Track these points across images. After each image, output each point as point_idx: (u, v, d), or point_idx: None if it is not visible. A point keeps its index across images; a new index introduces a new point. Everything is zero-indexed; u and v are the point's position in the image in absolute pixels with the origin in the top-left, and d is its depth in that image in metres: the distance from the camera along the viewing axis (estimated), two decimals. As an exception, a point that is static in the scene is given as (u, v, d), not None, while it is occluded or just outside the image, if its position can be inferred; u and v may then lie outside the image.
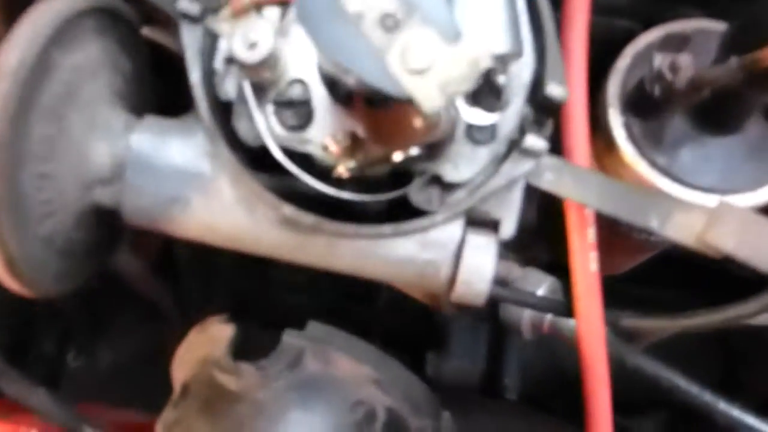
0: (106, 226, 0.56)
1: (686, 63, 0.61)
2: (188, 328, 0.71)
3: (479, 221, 0.52)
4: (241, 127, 0.50)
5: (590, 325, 0.61)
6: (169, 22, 0.53)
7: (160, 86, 0.64)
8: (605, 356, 0.61)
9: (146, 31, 0.59)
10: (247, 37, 0.44)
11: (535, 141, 0.49)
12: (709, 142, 0.67)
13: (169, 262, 1.00)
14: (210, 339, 0.66)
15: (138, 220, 0.53)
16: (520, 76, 0.50)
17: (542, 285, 0.81)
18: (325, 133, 0.48)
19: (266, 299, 0.98)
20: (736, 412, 0.62)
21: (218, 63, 0.51)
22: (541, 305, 0.66)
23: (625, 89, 0.69)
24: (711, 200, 0.67)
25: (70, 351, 1.06)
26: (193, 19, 0.49)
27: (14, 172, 0.46)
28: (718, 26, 0.71)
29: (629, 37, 0.75)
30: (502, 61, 0.46)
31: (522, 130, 0.51)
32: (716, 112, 0.64)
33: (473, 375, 1.06)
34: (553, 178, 0.54)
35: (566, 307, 0.64)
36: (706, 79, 0.58)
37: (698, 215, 0.50)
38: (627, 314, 0.65)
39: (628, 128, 0.68)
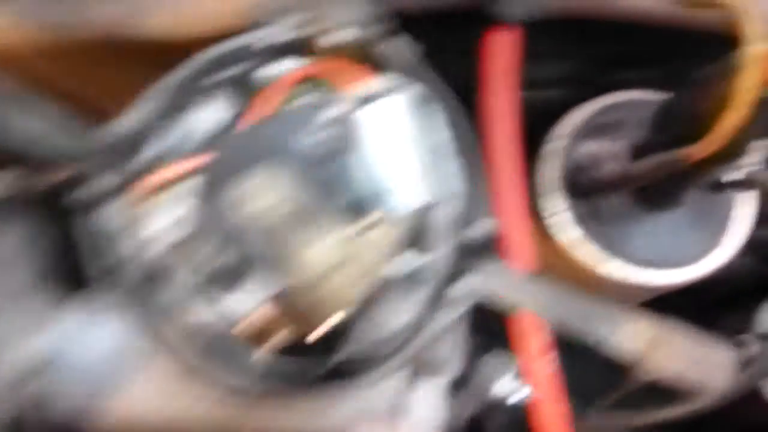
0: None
1: (618, 152, 0.60)
2: None
3: (423, 366, 0.50)
4: (170, 297, 0.48)
5: (553, 427, 0.60)
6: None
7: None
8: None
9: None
10: (172, 212, 0.42)
11: (466, 286, 0.48)
12: (652, 218, 0.66)
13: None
14: None
15: (64, 416, 0.50)
16: (447, 213, 0.49)
17: (507, 371, 0.81)
18: (252, 302, 0.46)
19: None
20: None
21: (127, 241, 0.49)
22: (504, 411, 0.65)
23: (562, 172, 0.68)
24: (661, 276, 0.67)
25: None
26: (100, 201, 0.47)
27: None
28: (651, 96, 0.70)
29: (562, 108, 0.75)
30: (424, 211, 0.45)
31: (456, 267, 0.49)
32: (655, 192, 0.63)
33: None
34: (497, 287, 0.53)
35: (529, 410, 0.62)
36: (637, 174, 0.57)
37: (641, 328, 0.49)
38: (591, 414, 0.64)
39: (571, 211, 0.68)
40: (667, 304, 0.69)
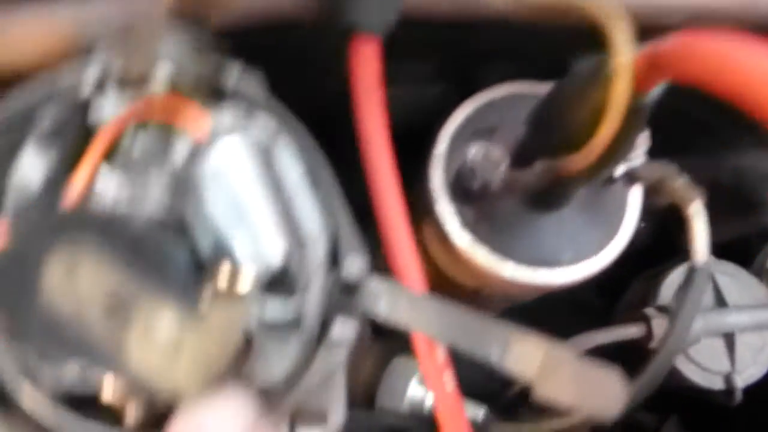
0: None
1: (497, 157, 0.57)
2: None
3: (303, 417, 0.46)
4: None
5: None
6: None
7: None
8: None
9: None
10: None
11: (342, 330, 0.44)
12: (543, 218, 0.65)
13: None
14: None
15: None
16: (313, 253, 0.45)
17: (414, 375, 0.79)
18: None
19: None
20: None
21: None
22: (411, 428, 0.62)
23: (449, 176, 0.65)
24: (557, 275, 0.65)
25: None
26: None
27: None
28: (531, 88, 0.68)
29: (443, 102, 0.72)
30: (282, 260, 0.41)
31: (330, 307, 0.45)
32: (541, 195, 0.61)
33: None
34: (388, 306, 0.50)
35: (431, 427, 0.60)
36: (519, 182, 0.55)
37: (535, 349, 0.47)
38: (494, 420, 0.62)
39: (460, 216, 0.65)
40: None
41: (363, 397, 0.73)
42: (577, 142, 0.47)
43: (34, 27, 0.49)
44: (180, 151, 0.41)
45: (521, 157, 0.57)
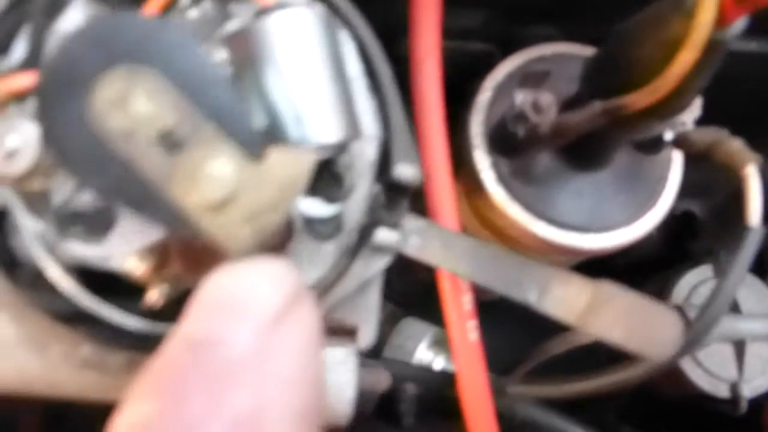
0: None
1: (548, 102, 0.55)
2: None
3: (333, 331, 0.44)
4: (17, 244, 0.39)
5: (475, 397, 0.55)
6: None
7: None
8: (493, 426, 0.56)
9: None
10: (2, 143, 0.33)
11: (386, 235, 0.42)
12: (579, 179, 0.62)
13: None
14: None
15: None
16: (363, 154, 0.42)
17: (423, 339, 0.76)
18: (130, 244, 0.38)
19: None
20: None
21: None
22: (422, 379, 0.60)
23: (489, 126, 0.63)
24: (588, 240, 0.63)
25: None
26: None
27: None
28: (578, 50, 0.66)
29: (486, 60, 0.70)
30: (337, 149, 0.38)
31: (372, 217, 0.43)
32: (583, 150, 0.59)
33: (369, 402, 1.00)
34: (419, 244, 0.47)
35: (449, 379, 0.58)
36: (570, 125, 0.52)
37: (577, 290, 0.45)
38: (512, 381, 0.60)
39: (495, 168, 0.63)
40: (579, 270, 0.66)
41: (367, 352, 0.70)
42: (643, 78, 0.45)
43: None
44: (244, 19, 0.38)
45: (571, 103, 0.55)
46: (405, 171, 0.41)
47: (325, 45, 0.37)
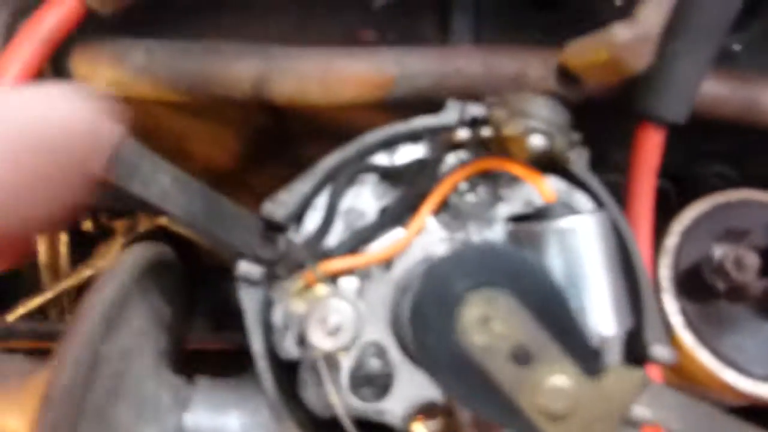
0: None
1: (751, 262, 0.57)
2: None
3: None
4: (309, 397, 0.44)
5: None
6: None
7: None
8: None
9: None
10: (325, 322, 0.38)
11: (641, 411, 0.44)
12: (772, 329, 0.63)
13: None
14: None
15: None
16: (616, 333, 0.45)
17: None
18: (405, 403, 0.42)
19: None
20: None
21: (276, 318, 0.44)
22: None
23: (677, 270, 0.65)
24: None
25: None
26: (254, 283, 0.43)
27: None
28: (761, 196, 0.68)
29: (661, 196, 0.72)
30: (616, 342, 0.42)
31: None
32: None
33: None
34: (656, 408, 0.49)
35: None
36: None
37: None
38: None
39: (684, 314, 0.64)
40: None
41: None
42: None
43: (359, 67, 0.52)
44: (504, 208, 0.42)
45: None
46: (661, 352, 0.44)
47: (608, 249, 0.41)
